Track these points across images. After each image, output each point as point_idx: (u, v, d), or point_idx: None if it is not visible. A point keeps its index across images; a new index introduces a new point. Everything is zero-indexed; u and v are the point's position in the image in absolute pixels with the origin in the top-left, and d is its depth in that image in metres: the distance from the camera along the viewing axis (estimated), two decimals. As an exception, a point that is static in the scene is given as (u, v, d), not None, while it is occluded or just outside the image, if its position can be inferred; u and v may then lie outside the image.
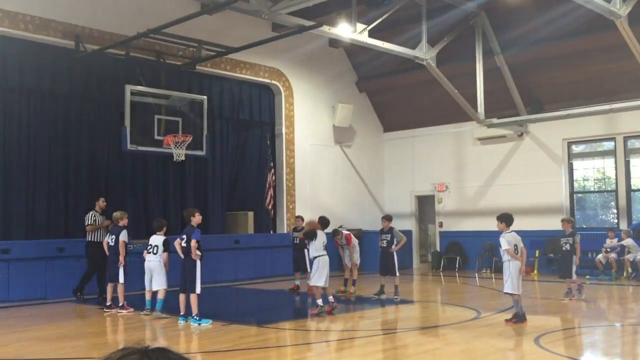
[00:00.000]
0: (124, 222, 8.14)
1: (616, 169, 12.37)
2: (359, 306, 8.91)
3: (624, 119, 11.77)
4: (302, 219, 10.16)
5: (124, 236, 7.97)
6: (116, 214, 8.22)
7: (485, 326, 6.73)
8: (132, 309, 7.83)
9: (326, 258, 7.74)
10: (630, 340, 6.37)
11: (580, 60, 11.87)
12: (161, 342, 6.33)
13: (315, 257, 7.77)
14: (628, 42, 9.54)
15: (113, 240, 8.00)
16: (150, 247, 7.77)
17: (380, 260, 9.24)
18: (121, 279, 7.88)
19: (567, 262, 8.69)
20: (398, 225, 10.40)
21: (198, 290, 6.95)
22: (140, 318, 7.54)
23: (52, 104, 10.14)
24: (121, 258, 7.89)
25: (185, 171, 11.74)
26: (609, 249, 11.30)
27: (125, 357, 0.62)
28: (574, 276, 8.67)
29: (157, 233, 7.84)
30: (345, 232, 9.79)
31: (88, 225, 8.95)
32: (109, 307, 7.91)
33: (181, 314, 7.04)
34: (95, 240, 8.92)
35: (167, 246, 7.66)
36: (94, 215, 9.05)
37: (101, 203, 9.17)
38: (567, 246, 8.67)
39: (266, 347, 5.93)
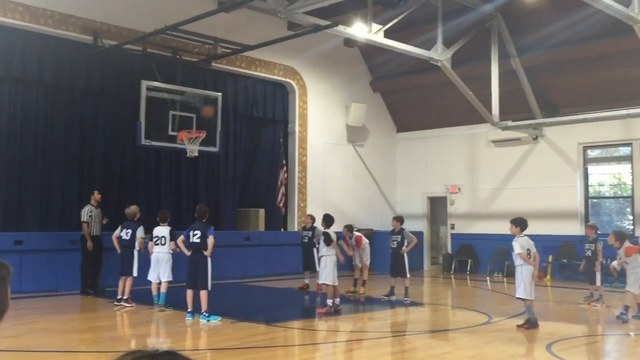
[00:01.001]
0: (138, 216, 8.20)
1: (632, 175, 12.18)
2: (368, 307, 8.89)
3: (642, 125, 11.59)
4: (313, 218, 10.16)
5: (141, 232, 8.01)
6: (133, 209, 8.25)
7: (496, 331, 6.68)
8: (134, 304, 7.87)
9: (334, 257, 7.73)
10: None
11: (597, 64, 11.70)
12: (170, 339, 6.37)
13: (322, 256, 7.77)
14: (647, 46, 9.38)
15: (129, 234, 8.02)
16: (157, 238, 7.81)
17: (390, 261, 9.21)
18: (135, 272, 7.94)
19: (590, 267, 8.73)
20: (409, 226, 10.34)
21: (209, 286, 6.96)
22: (149, 312, 7.59)
23: (69, 98, 10.26)
24: (142, 250, 7.92)
25: (198, 167, 11.80)
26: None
27: None
28: (598, 282, 8.63)
29: (162, 224, 7.87)
30: (356, 233, 9.76)
31: (84, 222, 9.03)
32: (119, 300, 7.97)
33: (189, 310, 7.04)
34: (91, 234, 9.03)
35: (174, 236, 7.71)
36: (90, 211, 9.11)
37: (96, 196, 9.20)
38: (589, 252, 8.73)
39: (274, 346, 5.94)
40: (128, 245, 8.01)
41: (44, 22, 9.54)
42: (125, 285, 7.96)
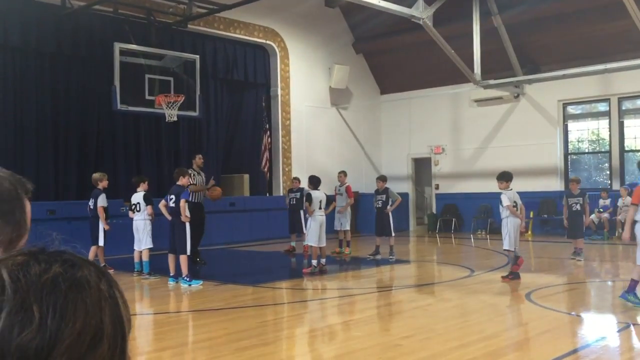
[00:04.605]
0: (103, 184, 7.82)
1: (610, 130, 12.38)
2: (354, 266, 9.00)
3: (619, 80, 11.68)
4: (299, 181, 10.13)
5: (102, 201, 7.69)
6: (95, 175, 7.96)
7: (478, 283, 6.84)
8: (112, 269, 7.73)
9: (321, 217, 7.75)
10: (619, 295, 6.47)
11: (576, 21, 11.66)
12: (152, 302, 6.37)
13: (308, 217, 7.80)
14: (625, 1, 9.31)
15: (93, 203, 7.80)
16: (133, 206, 7.70)
17: (375, 220, 9.28)
18: (101, 242, 7.70)
19: (578, 222, 8.62)
20: (395, 187, 10.40)
21: (188, 251, 6.89)
22: (129, 279, 7.49)
23: (38, 62, 9.86)
24: (104, 224, 7.63)
25: (179, 133, 11.60)
26: (601, 209, 11.44)
27: (9, 259, 0.55)
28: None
29: (137, 190, 7.73)
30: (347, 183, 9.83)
31: (190, 185, 8.35)
32: None
33: (171, 274, 7.01)
34: (194, 200, 8.23)
35: (149, 200, 7.61)
36: (192, 175, 8.59)
37: (198, 160, 8.78)
38: (578, 206, 8.60)
39: (260, 305, 5.99)
40: (92, 214, 7.78)
41: (7, -18, 9.07)
42: (91, 255, 7.59)
